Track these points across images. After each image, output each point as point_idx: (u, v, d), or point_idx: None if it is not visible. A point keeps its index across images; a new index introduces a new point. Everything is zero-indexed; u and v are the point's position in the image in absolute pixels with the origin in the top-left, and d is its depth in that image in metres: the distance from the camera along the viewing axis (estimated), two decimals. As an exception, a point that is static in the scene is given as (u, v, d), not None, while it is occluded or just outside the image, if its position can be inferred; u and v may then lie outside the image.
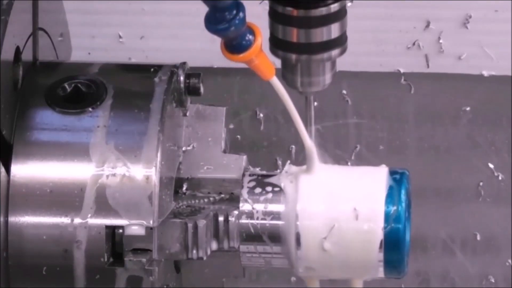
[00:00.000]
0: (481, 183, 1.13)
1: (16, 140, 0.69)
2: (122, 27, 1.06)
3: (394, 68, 1.13)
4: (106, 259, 0.67)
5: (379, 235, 0.76)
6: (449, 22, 1.10)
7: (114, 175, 0.67)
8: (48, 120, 0.71)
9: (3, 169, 0.67)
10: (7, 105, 0.68)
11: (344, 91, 1.12)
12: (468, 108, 1.13)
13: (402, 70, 1.13)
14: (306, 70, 0.74)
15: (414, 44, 1.12)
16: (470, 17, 1.09)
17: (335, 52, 0.71)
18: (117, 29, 1.05)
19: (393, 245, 0.76)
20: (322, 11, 0.67)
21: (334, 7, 0.67)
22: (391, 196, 0.78)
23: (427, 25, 1.11)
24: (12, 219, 0.68)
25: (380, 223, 0.76)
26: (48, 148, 0.70)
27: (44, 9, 0.76)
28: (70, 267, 0.68)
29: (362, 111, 1.15)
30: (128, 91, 0.73)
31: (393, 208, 0.77)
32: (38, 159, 0.69)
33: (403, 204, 0.77)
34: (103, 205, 0.66)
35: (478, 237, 1.14)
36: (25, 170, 0.69)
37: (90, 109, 0.70)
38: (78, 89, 0.72)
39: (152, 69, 0.74)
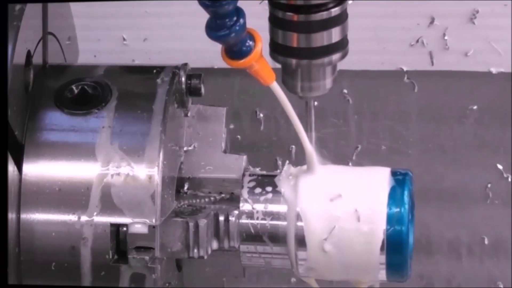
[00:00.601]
0: (489, 185, 1.14)
1: (27, 141, 0.76)
2: (126, 30, 1.12)
3: (396, 66, 1.16)
4: (111, 256, 0.72)
5: (381, 237, 0.78)
6: (454, 17, 1.12)
7: (118, 174, 0.72)
8: (57, 121, 0.78)
9: (15, 168, 0.74)
10: (19, 107, 0.75)
11: (345, 91, 1.15)
12: (475, 107, 1.14)
13: (405, 68, 1.15)
14: (306, 75, 0.77)
15: (417, 41, 1.14)
16: (477, 12, 1.10)
17: (336, 56, 0.75)
18: (121, 32, 1.12)
19: (395, 248, 0.78)
20: (322, 15, 0.71)
21: (335, 11, 0.70)
22: (394, 198, 0.79)
23: (432, 22, 1.13)
24: (24, 216, 0.74)
25: (382, 225, 0.78)
26: (57, 148, 0.76)
27: (53, 14, 0.83)
28: (77, 264, 0.73)
29: (363, 110, 1.17)
30: (132, 92, 0.79)
31: (395, 210, 0.79)
32: (48, 159, 0.75)
33: (406, 206, 0.79)
34: (108, 203, 0.72)
35: (486, 241, 1.15)
36: (36, 169, 0.75)
37: (96, 110, 0.75)
38: (85, 91, 0.78)
39: (154, 71, 0.79)
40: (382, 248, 0.78)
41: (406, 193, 0.79)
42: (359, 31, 0.97)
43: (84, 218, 0.72)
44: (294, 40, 0.73)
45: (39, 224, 0.75)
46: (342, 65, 0.81)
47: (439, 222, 1.18)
